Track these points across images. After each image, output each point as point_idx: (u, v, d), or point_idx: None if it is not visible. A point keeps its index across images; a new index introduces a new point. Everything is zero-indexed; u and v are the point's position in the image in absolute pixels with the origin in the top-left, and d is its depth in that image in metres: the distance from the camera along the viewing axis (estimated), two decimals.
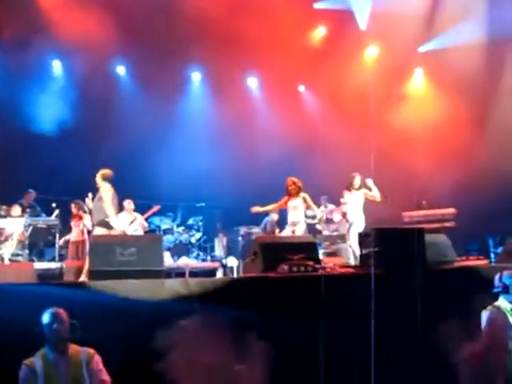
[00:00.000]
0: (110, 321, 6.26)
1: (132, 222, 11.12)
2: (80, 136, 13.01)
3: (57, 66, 14.10)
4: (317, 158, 13.17)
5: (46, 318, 4.65)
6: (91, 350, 4.74)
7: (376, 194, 10.36)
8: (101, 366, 4.71)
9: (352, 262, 9.97)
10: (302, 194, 10.07)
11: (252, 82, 15.27)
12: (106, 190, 9.22)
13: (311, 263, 7.75)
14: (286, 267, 7.53)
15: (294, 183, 10.07)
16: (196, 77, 15.00)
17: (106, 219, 9.15)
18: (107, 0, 12.40)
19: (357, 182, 10.39)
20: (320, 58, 13.66)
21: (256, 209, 10.50)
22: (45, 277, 9.64)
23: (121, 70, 14.53)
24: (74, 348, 4.69)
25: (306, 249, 8.13)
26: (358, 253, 9.85)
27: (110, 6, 12.28)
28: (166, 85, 13.58)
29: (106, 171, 9.47)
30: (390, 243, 7.79)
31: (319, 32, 14.32)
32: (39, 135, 12.85)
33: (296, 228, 10.06)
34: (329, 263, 9.07)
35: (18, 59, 12.50)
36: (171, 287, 6.88)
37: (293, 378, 6.64)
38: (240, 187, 12.79)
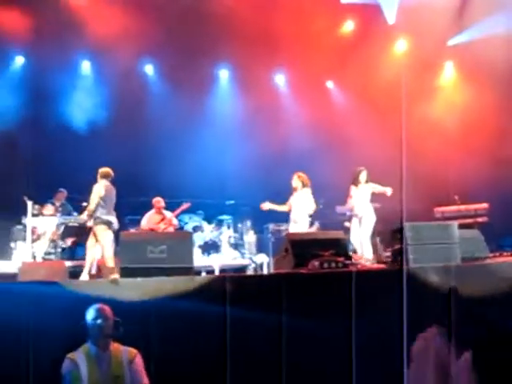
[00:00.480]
0: (141, 318, 6.30)
1: (161, 220, 11.17)
2: (109, 135, 13.12)
3: (86, 66, 14.28)
4: (346, 154, 13.03)
5: (90, 313, 4.71)
6: (134, 350, 4.78)
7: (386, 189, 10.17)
8: (142, 367, 4.74)
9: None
10: (305, 190, 9.88)
11: (280, 79, 15.23)
12: (96, 187, 9.22)
13: (342, 259, 7.71)
14: (316, 263, 7.50)
15: (299, 177, 9.93)
16: (223, 74, 15.01)
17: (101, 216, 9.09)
18: None
19: (363, 176, 10.25)
20: (348, 53, 13.54)
21: (267, 205, 10.35)
22: (76, 275, 9.75)
23: (149, 69, 14.62)
24: (116, 346, 4.73)
25: (337, 245, 8.10)
26: (368, 248, 9.89)
27: (137, 5, 12.36)
28: (194, 83, 13.61)
29: (104, 169, 9.49)
30: (422, 239, 7.74)
31: (347, 26, 14.18)
32: (70, 133, 13.00)
33: (296, 226, 9.91)
34: (359, 259, 9.04)
35: (50, 58, 12.70)
36: (202, 284, 6.87)
37: (323, 374, 6.62)
38: (269, 184, 12.75)
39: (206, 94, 14.46)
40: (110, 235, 9.09)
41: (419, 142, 11.70)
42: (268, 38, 12.36)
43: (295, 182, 9.97)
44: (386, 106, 12.06)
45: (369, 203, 10.22)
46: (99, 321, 4.64)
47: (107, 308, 4.76)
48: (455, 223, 8.49)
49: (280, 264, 8.33)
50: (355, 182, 10.25)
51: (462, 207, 10.84)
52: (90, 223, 9.22)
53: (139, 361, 4.73)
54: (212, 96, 14.64)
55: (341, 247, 8.13)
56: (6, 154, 12.31)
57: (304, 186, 9.90)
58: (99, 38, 12.51)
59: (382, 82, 12.90)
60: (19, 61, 13.76)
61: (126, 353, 4.71)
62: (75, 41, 12.78)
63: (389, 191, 9.85)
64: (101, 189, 9.16)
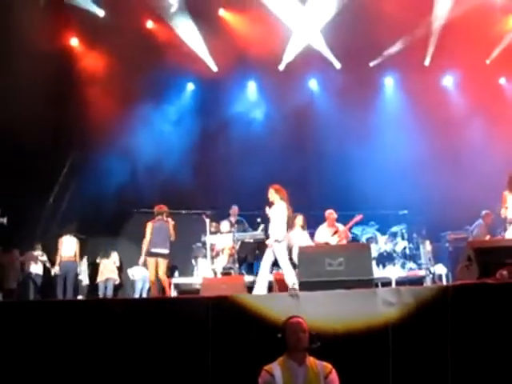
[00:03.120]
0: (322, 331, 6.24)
1: (335, 232, 11.08)
2: (275, 150, 13.42)
3: (252, 86, 14.83)
4: None
5: (288, 325, 4.70)
6: (329, 365, 4.67)
7: None
8: (338, 383, 4.62)
9: None
10: (282, 203, 8.93)
11: (448, 81, 14.64)
12: (148, 225, 10.32)
13: None
14: (505, 273, 7.02)
15: (276, 191, 8.95)
16: (389, 82, 14.78)
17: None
18: None
19: None
20: None
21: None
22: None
23: (313, 83, 14.80)
24: (312, 360, 4.66)
25: None
26: None
27: None
28: (360, 92, 13.51)
29: (157, 207, 10.44)
30: None
31: None
32: (233, 151, 13.58)
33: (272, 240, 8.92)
34: None
35: (217, 83, 13.34)
36: (383, 296, 6.67)
37: None
38: (443, 193, 12.25)
39: (373, 102, 14.33)
40: (153, 265, 10.20)
41: None
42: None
43: (271, 195, 9.05)
44: None
45: None
46: (296, 334, 4.62)
47: (303, 321, 4.73)
48: None
49: (463, 274, 7.90)
50: (510, 187, 9.47)
51: None
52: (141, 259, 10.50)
53: (334, 376, 4.61)
54: (379, 104, 14.47)
55: None
56: (184, 175, 13.08)
57: (281, 199, 9.00)
58: (264, 59, 12.93)
59: None
60: (190, 87, 14.84)
61: (321, 367, 4.62)
62: (241, 63, 13.30)
63: None
64: (150, 226, 10.29)
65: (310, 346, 4.65)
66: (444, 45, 12.33)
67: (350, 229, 11.31)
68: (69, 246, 11.88)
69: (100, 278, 12.55)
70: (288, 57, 13.72)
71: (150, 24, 13.47)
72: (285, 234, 8.76)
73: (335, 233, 10.91)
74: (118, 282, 12.77)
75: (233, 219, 12.03)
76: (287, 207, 8.91)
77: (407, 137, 13.29)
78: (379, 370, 6.25)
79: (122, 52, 12.65)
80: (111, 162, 12.89)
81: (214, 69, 13.94)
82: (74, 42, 13.52)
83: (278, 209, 8.88)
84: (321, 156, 13.43)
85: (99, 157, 13.06)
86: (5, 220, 9.72)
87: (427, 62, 13.50)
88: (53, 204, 14.15)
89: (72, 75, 13.18)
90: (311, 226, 11.67)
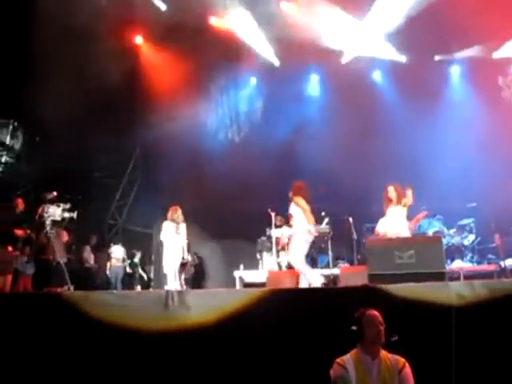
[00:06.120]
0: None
1: None
2: (347, 144, 13.27)
3: (314, 79, 14.78)
4: None
5: (366, 318, 4.60)
6: (402, 359, 4.56)
7: None
8: (411, 377, 4.50)
9: None
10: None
11: None
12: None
13: None
14: None
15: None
16: (455, 70, 14.40)
17: None
18: None
19: None
20: None
21: None
22: None
23: (377, 75, 14.59)
24: (384, 353, 4.55)
25: None
26: None
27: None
28: (426, 83, 13.21)
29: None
30: None
31: None
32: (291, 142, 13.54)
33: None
34: None
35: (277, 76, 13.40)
36: (456, 290, 6.49)
37: None
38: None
39: (440, 92, 13.97)
40: None
41: None
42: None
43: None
44: None
45: None
46: (376, 327, 4.53)
47: (379, 314, 4.62)
48: None
49: None
50: None
51: None
52: None
53: (408, 370, 4.51)
54: (447, 94, 14.10)
55: None
56: (246, 169, 13.11)
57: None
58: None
59: None
60: (253, 81, 15.16)
61: (394, 361, 4.52)
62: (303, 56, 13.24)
63: None
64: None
65: (384, 339, 4.54)
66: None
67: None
68: (117, 253, 13.70)
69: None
70: (351, 50, 13.62)
71: (211, 19, 13.57)
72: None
73: None
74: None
75: None
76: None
77: (473, 126, 12.91)
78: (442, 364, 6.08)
79: (186, 47, 12.77)
80: (176, 158, 13.04)
81: (276, 63, 13.99)
82: (139, 39, 13.77)
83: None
84: (386, 148, 13.18)
85: (164, 156, 13.26)
86: (75, 215, 9.94)
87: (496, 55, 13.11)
88: (119, 200, 14.49)
89: (137, 71, 13.38)
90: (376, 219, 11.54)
